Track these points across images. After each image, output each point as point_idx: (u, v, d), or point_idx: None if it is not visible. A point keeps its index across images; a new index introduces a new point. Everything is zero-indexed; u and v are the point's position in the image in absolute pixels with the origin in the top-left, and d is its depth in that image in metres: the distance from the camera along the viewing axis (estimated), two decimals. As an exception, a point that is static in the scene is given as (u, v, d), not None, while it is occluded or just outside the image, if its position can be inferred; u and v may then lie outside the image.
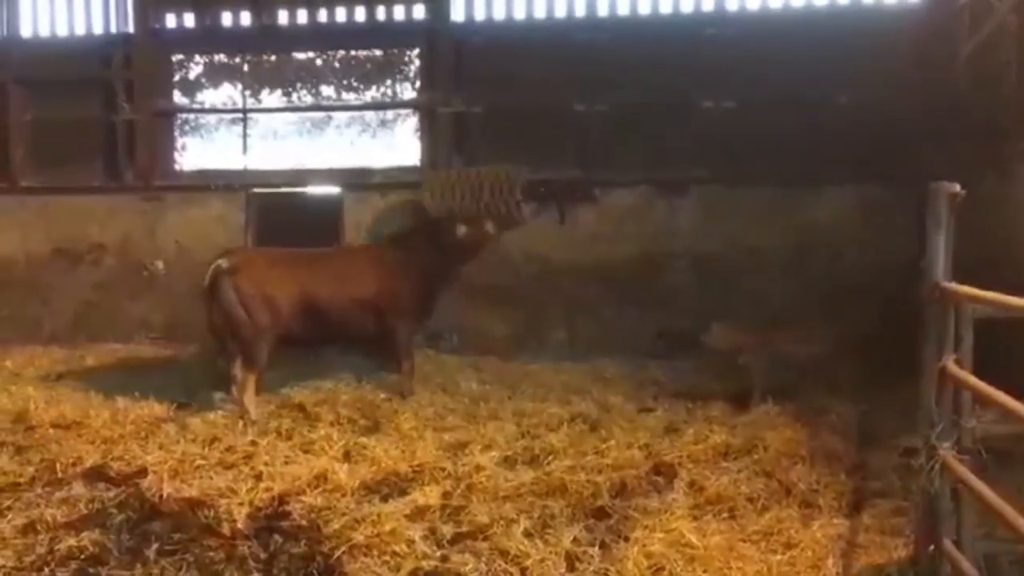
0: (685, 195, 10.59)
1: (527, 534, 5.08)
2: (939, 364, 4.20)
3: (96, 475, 6.15)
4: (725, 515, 5.43)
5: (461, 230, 8.78)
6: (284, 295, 8.08)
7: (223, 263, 7.98)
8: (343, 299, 8.39)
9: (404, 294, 8.63)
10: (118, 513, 5.45)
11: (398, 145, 11.80)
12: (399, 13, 11.29)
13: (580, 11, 10.89)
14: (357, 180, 11.32)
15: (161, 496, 5.71)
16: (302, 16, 11.44)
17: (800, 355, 8.23)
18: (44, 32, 11.82)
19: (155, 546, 4.95)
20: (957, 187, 4.31)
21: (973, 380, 4.01)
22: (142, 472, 6.19)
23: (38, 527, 5.24)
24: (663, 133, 10.48)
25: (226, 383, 8.12)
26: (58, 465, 6.31)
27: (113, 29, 11.62)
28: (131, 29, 11.56)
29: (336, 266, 8.76)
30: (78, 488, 5.88)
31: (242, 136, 11.83)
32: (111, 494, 5.77)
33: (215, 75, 11.97)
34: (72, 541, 4.98)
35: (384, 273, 8.62)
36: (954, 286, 4.17)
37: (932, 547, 4.31)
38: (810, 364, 8.27)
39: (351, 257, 9.27)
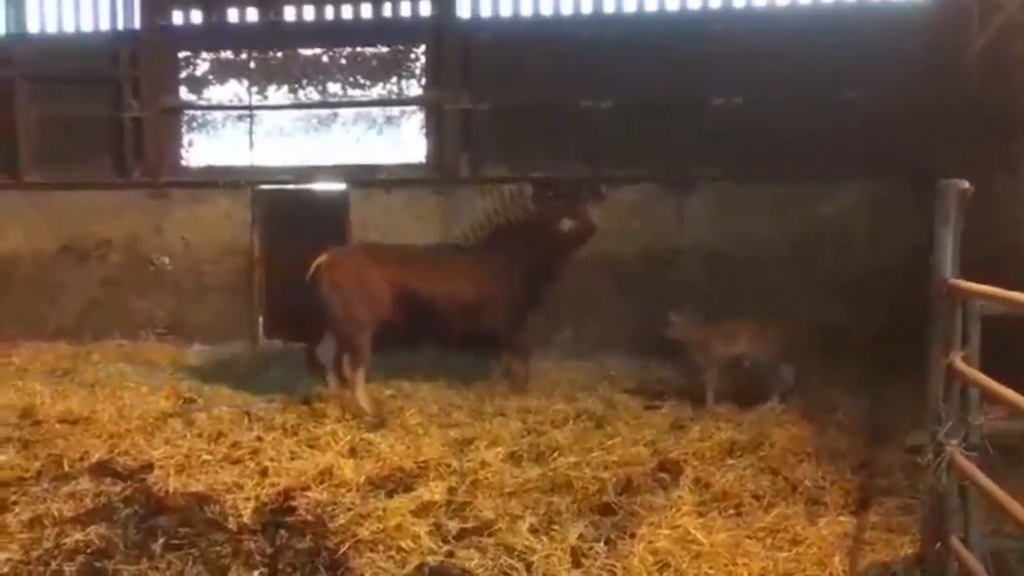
0: (693, 192, 10.56)
1: (533, 530, 5.09)
2: (946, 361, 4.19)
3: (102, 470, 6.18)
4: (731, 512, 5.43)
5: (567, 224, 8.64)
6: (383, 290, 8.20)
7: (323, 259, 8.11)
8: (442, 297, 8.40)
9: (504, 297, 8.60)
10: (124, 508, 5.48)
11: (404, 142, 11.79)
12: (405, 9, 11.28)
13: (586, 8, 10.86)
14: (363, 177, 11.30)
15: (167, 491, 5.74)
16: (309, 12, 11.43)
17: (754, 355, 8.06)
18: (51, 28, 11.81)
19: (161, 540, 4.98)
20: (966, 184, 4.30)
21: (980, 377, 4.00)
22: (148, 467, 6.22)
23: (45, 521, 5.27)
24: (670, 129, 10.45)
25: (319, 375, 8.36)
26: (65, 460, 6.34)
27: (120, 26, 11.61)
28: (138, 26, 11.56)
29: (438, 265, 8.73)
30: (84, 483, 5.92)
31: (248, 133, 11.83)
32: (117, 489, 5.80)
33: (222, 72, 11.96)
34: (79, 535, 5.02)
35: (483, 275, 8.58)
36: (962, 283, 4.16)
37: (939, 544, 4.29)
38: (765, 365, 8.05)
39: (454, 257, 9.05)
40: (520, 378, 8.70)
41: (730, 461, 6.35)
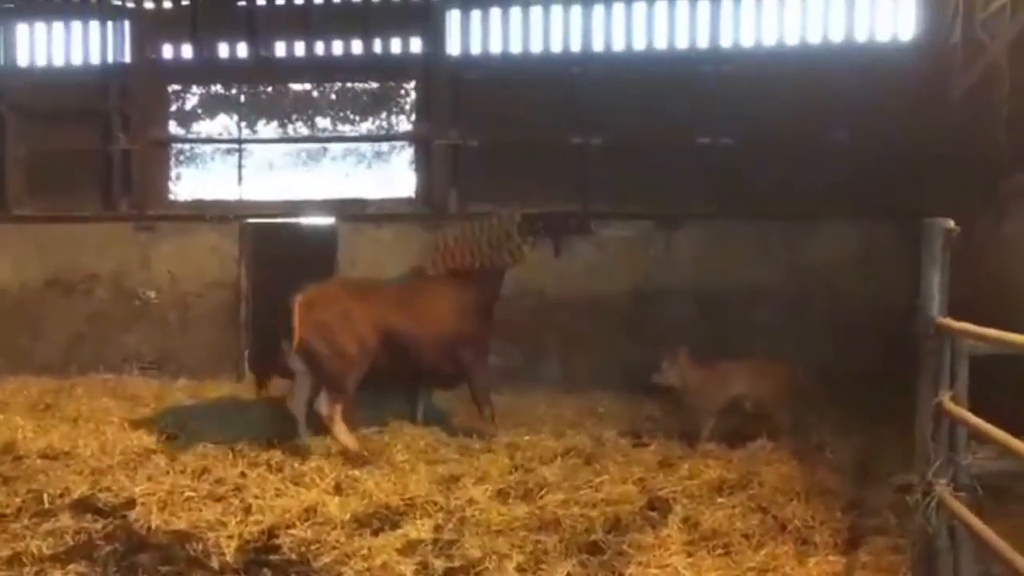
0: (682, 229, 10.62)
1: (520, 569, 5.03)
2: (935, 400, 4.18)
3: (84, 506, 6.08)
4: (720, 551, 5.37)
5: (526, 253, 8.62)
6: (366, 327, 7.98)
7: (299, 297, 7.84)
8: (424, 335, 8.21)
9: (479, 329, 8.47)
10: (105, 545, 5.38)
11: (393, 177, 11.83)
12: (396, 46, 11.39)
13: (575, 46, 10.98)
14: (352, 211, 11.33)
15: (149, 528, 5.65)
16: (299, 48, 11.52)
17: (753, 397, 7.95)
18: (41, 61, 11.86)
19: (142, 579, 4.89)
20: (951, 223, 4.31)
21: (969, 416, 3.99)
22: (130, 504, 6.12)
23: (24, 559, 5.16)
24: (660, 167, 10.52)
25: (290, 423, 7.93)
26: (45, 496, 6.24)
27: (110, 59, 11.68)
28: (128, 59, 11.63)
29: (417, 300, 8.47)
30: (65, 519, 5.81)
31: (237, 167, 11.86)
32: (99, 526, 5.70)
33: (211, 106, 12.01)
34: (58, 573, 4.93)
35: (460, 308, 8.40)
36: (950, 322, 4.16)
37: (929, 585, 4.26)
38: (767, 405, 7.92)
39: (432, 291, 8.66)
40: (492, 420, 8.48)
41: (719, 500, 6.30)
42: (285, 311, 7.86)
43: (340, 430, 7.73)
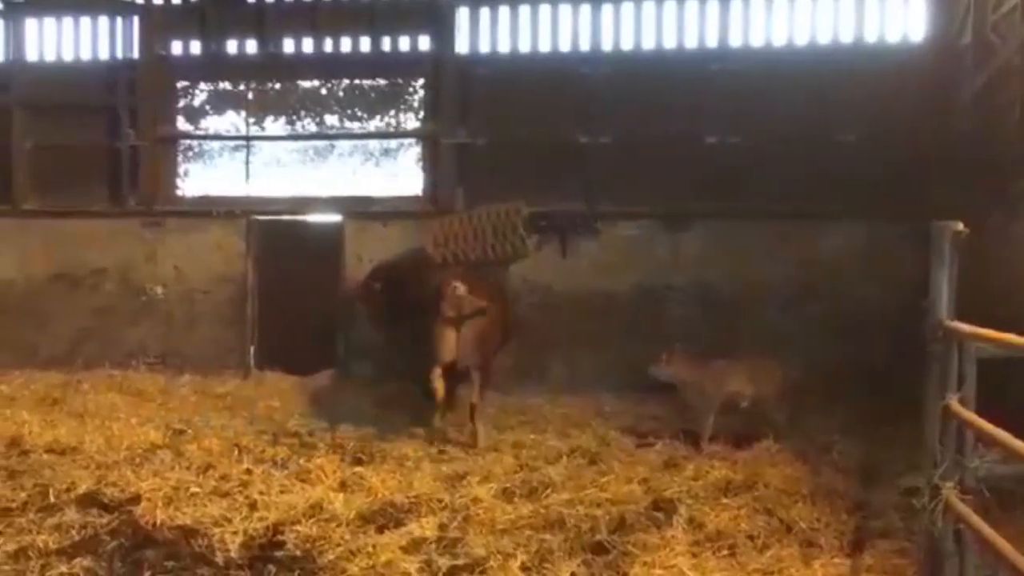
0: (689, 228, 10.59)
1: (524, 568, 5.03)
2: (942, 403, 4.16)
3: (89, 501, 6.10)
4: (725, 552, 5.36)
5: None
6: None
7: (458, 286, 7.91)
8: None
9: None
10: (111, 540, 5.40)
11: (401, 174, 11.82)
12: (404, 44, 11.37)
13: (584, 45, 10.95)
14: (359, 209, 11.32)
15: (154, 524, 5.66)
16: (308, 45, 11.51)
17: (749, 394, 7.93)
18: (50, 56, 11.86)
19: (147, 574, 4.90)
20: (960, 225, 4.29)
21: (976, 419, 3.97)
22: (136, 499, 6.13)
23: (30, 553, 5.18)
24: (667, 166, 10.50)
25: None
26: (51, 490, 6.25)
27: (119, 55, 11.68)
28: (137, 55, 11.62)
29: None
30: (71, 514, 5.83)
31: (245, 163, 11.86)
32: (104, 520, 5.72)
33: (219, 102, 12.02)
34: (64, 568, 4.95)
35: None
36: (958, 324, 4.14)
37: (935, 588, 4.24)
38: (762, 404, 7.93)
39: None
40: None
41: (724, 501, 6.28)
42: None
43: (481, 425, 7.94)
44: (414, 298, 8.83)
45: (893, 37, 10.43)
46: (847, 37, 10.50)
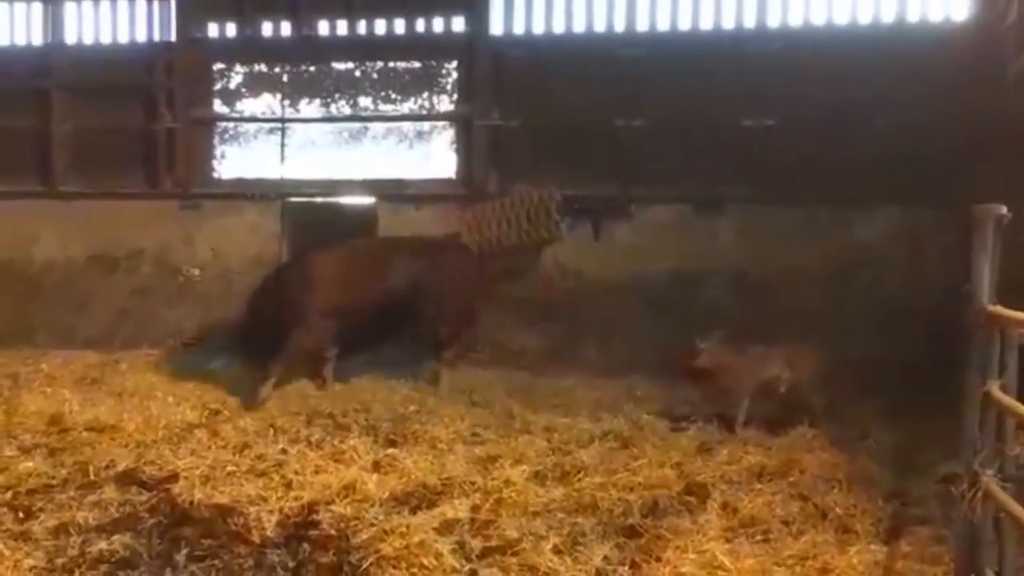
0: (723, 213, 10.50)
1: (556, 551, 5.03)
2: (983, 390, 4.10)
3: (128, 479, 6.19)
4: (759, 538, 5.33)
5: None
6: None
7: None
8: None
9: None
10: (149, 517, 5.49)
11: (434, 157, 11.83)
12: (438, 25, 11.35)
13: (619, 26, 10.87)
14: (392, 191, 11.35)
15: (192, 502, 5.74)
16: (342, 27, 11.52)
17: (788, 380, 7.88)
18: (88, 39, 11.97)
19: (185, 551, 4.98)
20: (1003, 209, 4.21)
21: (1017, 406, 3.91)
22: (173, 477, 6.22)
23: (70, 529, 5.28)
24: (701, 150, 10.41)
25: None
26: (91, 468, 6.36)
27: (156, 37, 11.77)
28: (173, 38, 11.70)
29: None
30: (110, 491, 5.93)
31: (280, 145, 11.92)
32: (143, 498, 5.82)
33: (255, 84, 12.07)
34: (103, 544, 5.02)
35: None
36: (1000, 310, 4.07)
37: (972, 576, 4.20)
38: (800, 388, 7.88)
39: None
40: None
41: (759, 486, 6.24)
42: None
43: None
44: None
45: (935, 16, 10.25)
46: (888, 16, 10.32)
